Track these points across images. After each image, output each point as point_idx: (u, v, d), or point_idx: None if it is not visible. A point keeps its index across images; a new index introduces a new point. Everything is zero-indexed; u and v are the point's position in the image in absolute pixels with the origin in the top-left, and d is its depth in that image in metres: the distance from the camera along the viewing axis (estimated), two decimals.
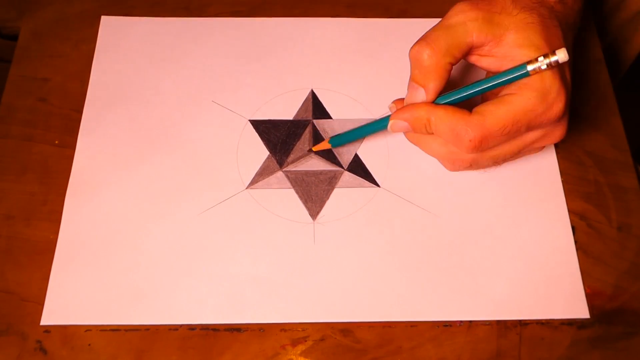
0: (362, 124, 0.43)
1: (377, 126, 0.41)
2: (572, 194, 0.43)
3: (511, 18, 0.36)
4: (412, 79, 0.38)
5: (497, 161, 0.39)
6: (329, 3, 0.51)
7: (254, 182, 0.43)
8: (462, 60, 0.38)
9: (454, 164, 0.39)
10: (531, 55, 0.35)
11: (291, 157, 0.44)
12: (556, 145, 0.45)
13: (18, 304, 0.39)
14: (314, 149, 0.44)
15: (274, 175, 0.43)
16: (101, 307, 0.39)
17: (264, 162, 0.44)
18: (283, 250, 0.41)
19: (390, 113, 0.40)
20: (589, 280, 0.40)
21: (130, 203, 0.42)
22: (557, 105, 0.35)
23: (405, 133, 0.40)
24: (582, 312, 0.39)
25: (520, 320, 0.39)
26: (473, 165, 0.39)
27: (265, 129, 0.45)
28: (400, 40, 0.49)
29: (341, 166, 0.44)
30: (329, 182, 0.43)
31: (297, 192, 0.43)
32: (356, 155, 0.44)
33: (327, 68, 0.48)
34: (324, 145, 0.43)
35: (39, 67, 0.47)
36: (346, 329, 0.39)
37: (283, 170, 0.44)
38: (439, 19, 0.38)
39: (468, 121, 0.35)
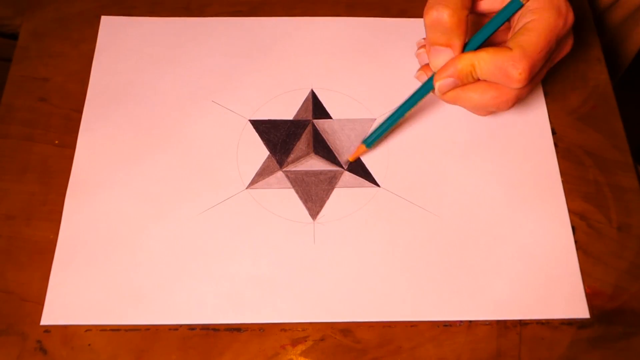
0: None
1: (417, 98, 0.41)
2: (572, 194, 0.43)
3: None
4: (434, 42, 0.39)
5: (533, 87, 0.40)
6: (329, 3, 0.51)
7: (254, 182, 0.43)
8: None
9: (498, 107, 0.40)
10: None
11: (291, 157, 0.44)
12: (556, 145, 0.45)
13: (18, 304, 0.39)
14: (351, 159, 0.44)
15: (274, 175, 0.43)
16: (101, 307, 0.39)
17: (264, 162, 0.44)
18: (283, 250, 0.41)
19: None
20: (589, 280, 0.40)
21: (130, 203, 0.42)
22: (570, 14, 0.38)
23: (443, 95, 0.40)
24: (582, 312, 0.39)
25: (520, 320, 0.39)
26: (516, 102, 0.40)
27: (265, 129, 0.45)
28: (400, 40, 0.49)
29: (341, 166, 0.44)
30: (329, 182, 0.43)
31: (297, 192, 0.43)
32: None
33: (327, 68, 0.48)
34: (361, 150, 0.43)
35: (39, 67, 0.47)
36: (346, 329, 0.39)
37: (283, 170, 0.44)
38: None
39: (512, 56, 0.37)
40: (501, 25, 0.39)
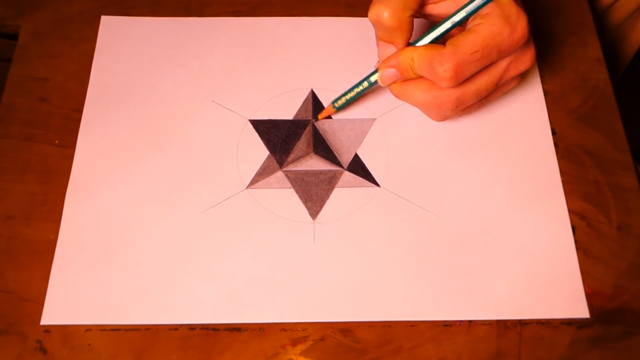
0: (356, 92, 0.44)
1: (370, 82, 0.42)
2: (572, 194, 0.43)
3: None
4: (380, 38, 0.40)
5: (480, 95, 0.39)
6: (329, 3, 0.51)
7: (254, 182, 0.43)
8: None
9: (440, 108, 0.39)
10: None
11: (291, 157, 0.44)
12: (556, 145, 0.45)
13: (18, 304, 0.39)
14: (320, 117, 0.45)
15: (274, 175, 0.43)
16: (101, 307, 0.39)
17: (264, 162, 0.44)
18: (283, 250, 0.41)
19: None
20: (589, 280, 0.40)
21: (130, 203, 0.42)
22: (520, 25, 0.37)
23: (391, 87, 0.41)
24: (582, 312, 0.39)
25: (520, 320, 0.39)
26: (459, 106, 0.39)
27: (265, 128, 0.45)
28: None
29: (341, 166, 0.44)
30: (329, 182, 0.43)
31: (297, 192, 0.43)
32: (356, 155, 0.44)
33: (327, 68, 0.48)
34: (328, 111, 0.45)
35: (39, 67, 0.47)
36: (346, 329, 0.39)
37: (283, 170, 0.44)
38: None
39: (442, 53, 0.37)
40: (455, 25, 0.39)
